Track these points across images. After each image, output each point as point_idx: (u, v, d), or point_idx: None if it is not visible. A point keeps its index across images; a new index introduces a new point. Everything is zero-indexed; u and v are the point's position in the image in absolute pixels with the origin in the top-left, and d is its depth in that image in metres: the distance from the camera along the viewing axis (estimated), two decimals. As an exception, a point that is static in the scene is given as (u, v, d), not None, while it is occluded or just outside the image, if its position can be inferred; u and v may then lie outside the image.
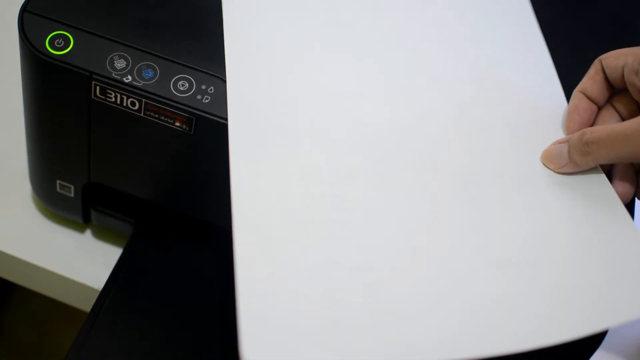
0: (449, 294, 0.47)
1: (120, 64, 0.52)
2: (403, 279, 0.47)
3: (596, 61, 0.54)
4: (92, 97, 0.53)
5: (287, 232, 0.47)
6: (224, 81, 0.52)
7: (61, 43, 0.52)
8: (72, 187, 0.61)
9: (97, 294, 0.59)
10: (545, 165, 0.54)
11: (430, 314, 0.46)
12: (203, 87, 0.52)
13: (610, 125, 0.51)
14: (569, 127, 0.54)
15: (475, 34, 0.60)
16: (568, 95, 0.56)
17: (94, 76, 0.52)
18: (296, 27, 0.57)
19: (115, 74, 0.52)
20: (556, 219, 0.51)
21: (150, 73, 0.52)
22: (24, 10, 0.53)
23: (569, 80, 0.57)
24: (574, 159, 0.52)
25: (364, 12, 0.59)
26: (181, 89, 0.52)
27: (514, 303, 0.47)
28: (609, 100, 0.55)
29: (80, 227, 0.67)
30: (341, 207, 0.49)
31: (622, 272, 0.49)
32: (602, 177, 0.53)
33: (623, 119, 0.54)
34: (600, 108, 0.55)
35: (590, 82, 0.54)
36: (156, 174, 0.58)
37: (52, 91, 0.54)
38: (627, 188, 0.53)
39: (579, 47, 0.62)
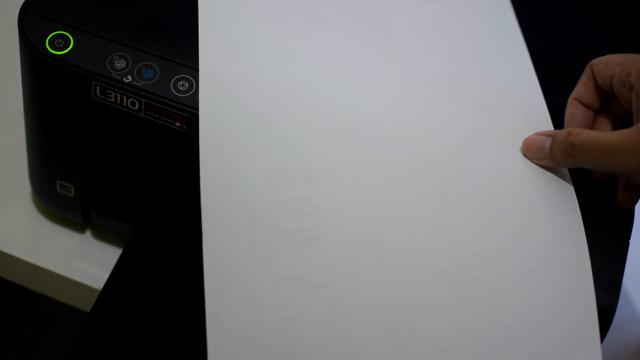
0: (405, 304, 0.47)
1: (120, 64, 0.52)
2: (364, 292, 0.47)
3: (587, 67, 0.54)
4: (92, 97, 0.53)
5: (253, 243, 0.47)
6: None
7: (61, 43, 0.52)
8: (72, 187, 0.61)
9: (97, 294, 0.59)
10: (524, 154, 0.54)
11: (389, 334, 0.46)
12: (203, 87, 0.52)
13: (597, 132, 0.51)
14: None
15: (452, 29, 0.60)
16: (565, 96, 0.56)
17: (94, 76, 0.52)
18: (270, 19, 0.56)
19: (115, 74, 0.52)
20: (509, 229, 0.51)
21: (150, 73, 0.52)
22: (24, 10, 0.53)
23: (569, 80, 0.57)
24: (554, 156, 0.52)
25: (342, 6, 0.58)
26: (181, 89, 0.52)
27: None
28: (608, 104, 0.55)
29: (80, 227, 0.67)
30: (307, 213, 0.49)
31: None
32: (570, 188, 0.53)
33: (619, 123, 0.54)
34: (598, 111, 0.55)
35: (584, 88, 0.54)
36: (156, 174, 0.58)
37: (52, 91, 0.54)
38: (630, 195, 0.53)
39: (579, 47, 0.62)
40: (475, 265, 0.49)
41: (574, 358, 0.48)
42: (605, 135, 0.49)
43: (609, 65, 0.53)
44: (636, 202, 0.54)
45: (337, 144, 0.51)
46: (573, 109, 0.54)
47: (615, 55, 0.53)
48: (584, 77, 0.54)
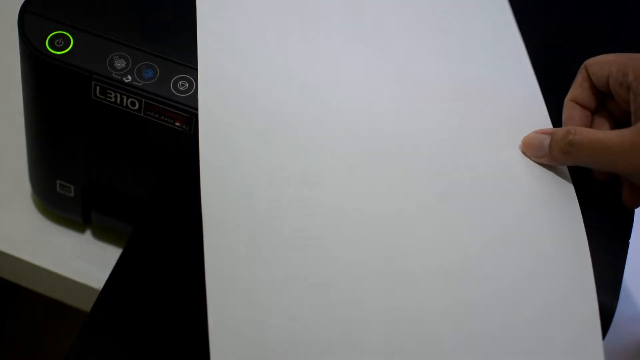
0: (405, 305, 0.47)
1: (120, 64, 0.52)
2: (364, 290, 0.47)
3: (582, 68, 0.54)
4: (92, 97, 0.53)
5: (254, 244, 0.47)
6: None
7: (61, 43, 0.52)
8: (72, 187, 0.61)
9: (97, 294, 0.59)
10: (524, 153, 0.54)
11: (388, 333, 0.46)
12: (203, 87, 0.52)
13: (596, 131, 0.51)
14: None
15: (450, 29, 0.60)
16: (563, 96, 0.56)
17: (94, 76, 0.52)
18: (270, 19, 0.56)
19: (115, 74, 0.52)
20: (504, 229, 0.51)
21: (150, 73, 0.52)
22: (24, 10, 0.53)
23: (567, 78, 0.57)
24: (553, 155, 0.52)
25: (342, 6, 0.58)
26: (181, 89, 0.52)
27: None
28: (605, 104, 0.55)
29: (80, 227, 0.67)
30: (307, 213, 0.49)
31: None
32: (570, 186, 0.53)
33: (617, 123, 0.54)
34: (594, 112, 0.55)
35: (579, 89, 0.54)
36: (156, 174, 0.58)
37: (52, 91, 0.54)
38: (635, 196, 0.53)
39: (579, 46, 0.62)
40: (475, 264, 0.49)
41: (576, 358, 0.48)
42: (605, 134, 0.49)
43: (604, 65, 0.53)
44: (638, 206, 0.54)
45: (336, 144, 0.51)
46: (570, 111, 0.54)
47: (610, 55, 0.53)
48: (579, 78, 0.54)
